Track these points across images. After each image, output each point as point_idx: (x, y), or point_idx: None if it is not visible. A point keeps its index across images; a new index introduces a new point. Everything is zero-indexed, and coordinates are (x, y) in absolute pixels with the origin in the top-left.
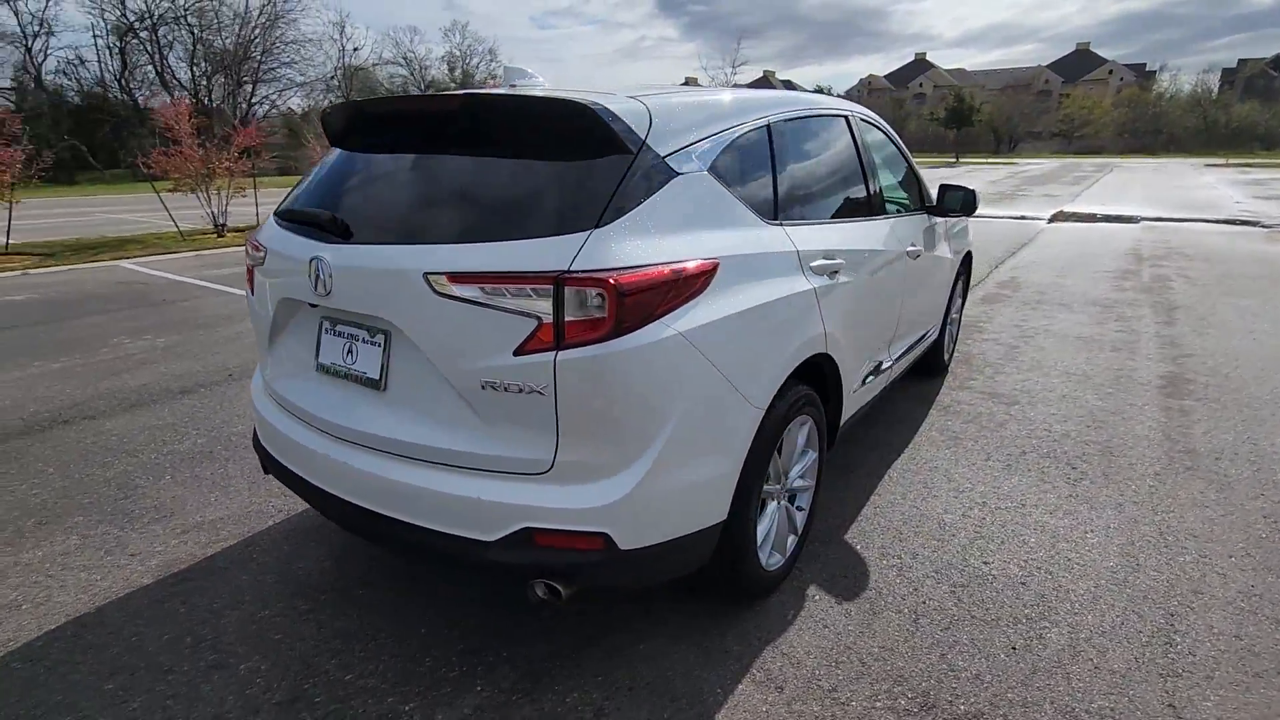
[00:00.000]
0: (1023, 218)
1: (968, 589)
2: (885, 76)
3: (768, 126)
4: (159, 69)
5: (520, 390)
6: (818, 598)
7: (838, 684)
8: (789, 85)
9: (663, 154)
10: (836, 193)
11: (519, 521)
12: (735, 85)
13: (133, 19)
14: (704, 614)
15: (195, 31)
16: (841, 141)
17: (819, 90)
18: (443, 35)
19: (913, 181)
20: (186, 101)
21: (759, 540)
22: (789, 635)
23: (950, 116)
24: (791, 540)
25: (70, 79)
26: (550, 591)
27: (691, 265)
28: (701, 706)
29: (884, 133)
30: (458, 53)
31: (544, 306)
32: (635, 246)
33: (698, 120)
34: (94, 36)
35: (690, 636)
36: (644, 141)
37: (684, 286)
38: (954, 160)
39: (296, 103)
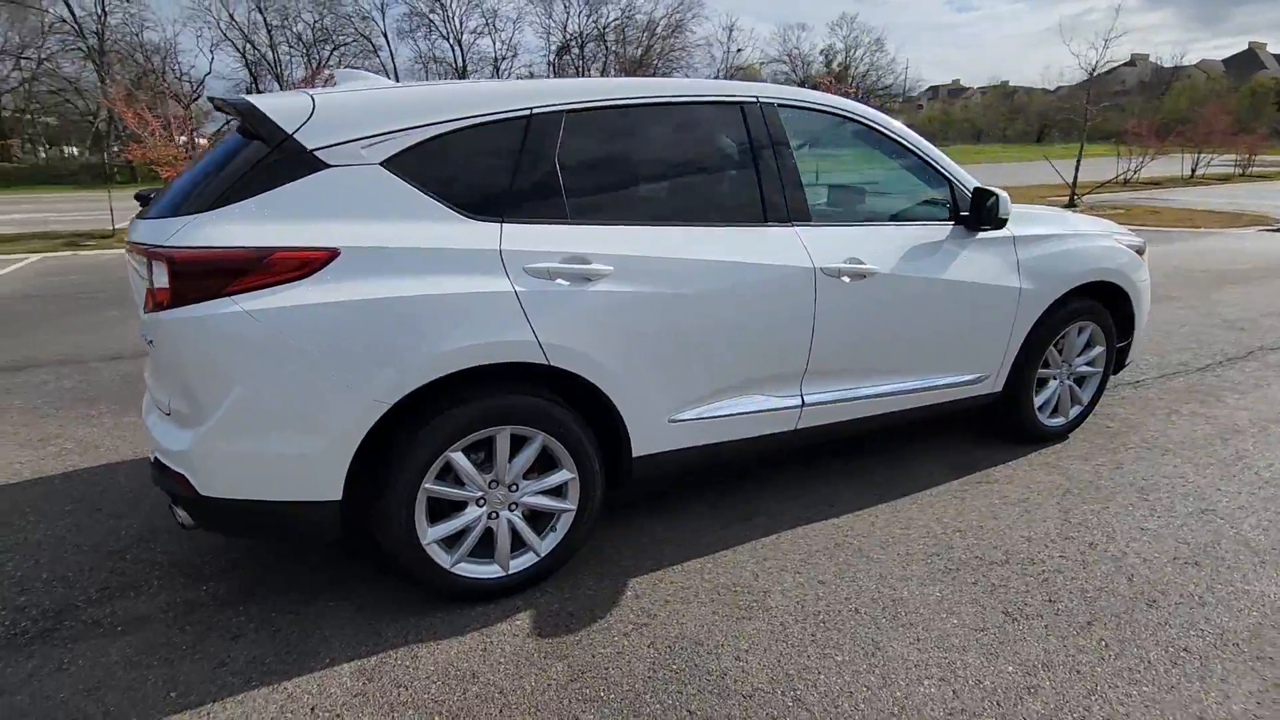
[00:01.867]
0: None
1: (670, 676)
2: None
3: (527, 118)
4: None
5: (150, 342)
6: (519, 622)
7: (413, 700)
8: None
9: (312, 147)
10: (665, 190)
11: (155, 451)
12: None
13: (568, 39)
14: (413, 600)
15: (609, 45)
16: (714, 134)
17: None
18: (829, 29)
19: (917, 184)
20: None
21: (430, 538)
22: (441, 644)
23: None
24: (528, 558)
25: None
26: (179, 518)
27: (286, 251)
28: (300, 668)
29: (859, 123)
30: (840, 45)
31: (149, 274)
32: (227, 230)
33: (387, 114)
34: (547, 55)
35: (372, 610)
36: (289, 135)
37: (271, 269)
38: None
39: None
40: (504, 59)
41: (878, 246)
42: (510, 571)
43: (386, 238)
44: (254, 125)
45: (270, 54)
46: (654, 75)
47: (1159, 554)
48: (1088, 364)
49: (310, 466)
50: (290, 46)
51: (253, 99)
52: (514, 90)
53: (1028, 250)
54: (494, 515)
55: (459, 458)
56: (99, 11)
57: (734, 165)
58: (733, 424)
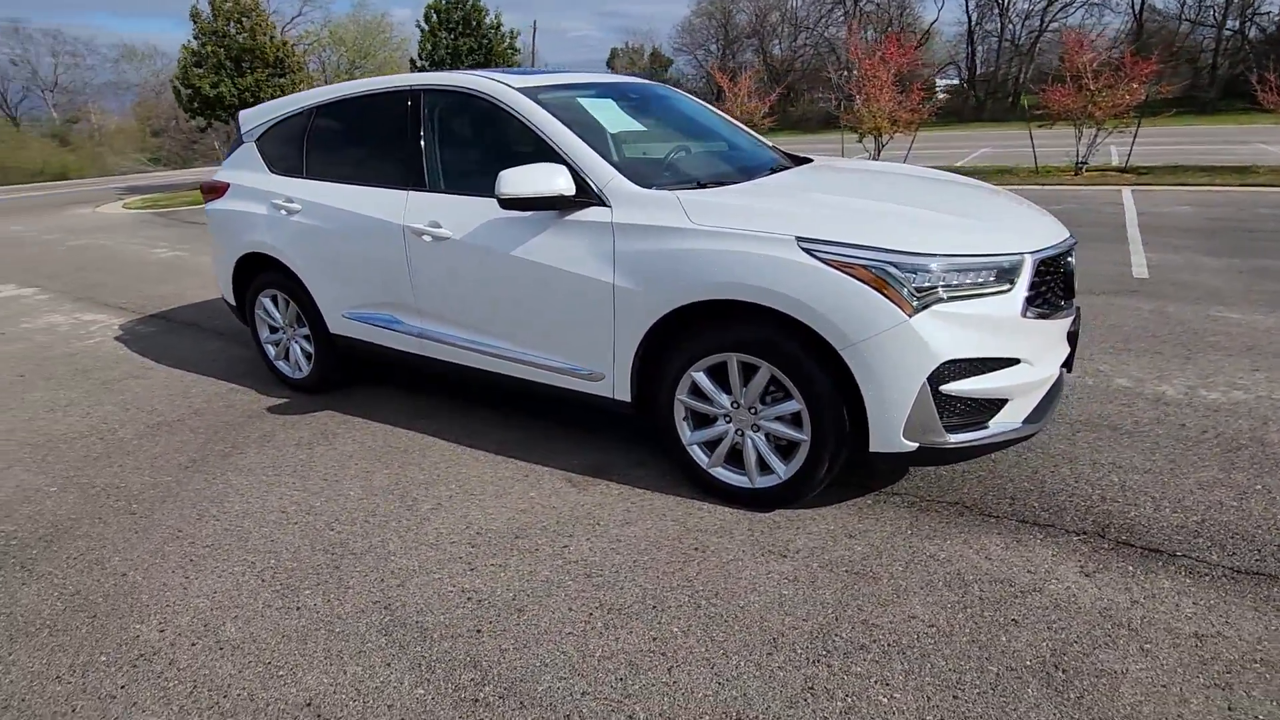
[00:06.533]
0: None
1: (171, 466)
2: None
3: (300, 114)
4: None
5: None
6: (221, 413)
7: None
8: None
9: (242, 132)
10: (350, 159)
11: None
12: None
13: None
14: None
15: None
16: (384, 118)
17: None
18: None
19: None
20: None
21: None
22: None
23: None
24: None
25: None
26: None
27: (219, 183)
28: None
29: (479, 100)
30: None
31: None
32: (221, 174)
33: (266, 113)
34: None
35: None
36: (240, 128)
37: (218, 191)
38: None
39: None
40: None
41: (462, 215)
42: (297, 377)
43: (242, 180)
44: (237, 124)
45: None
46: None
47: None
48: (781, 422)
49: (226, 281)
50: None
51: (241, 112)
52: (304, 96)
53: (629, 243)
54: (287, 344)
55: (268, 302)
56: None
57: (389, 142)
58: (378, 333)
